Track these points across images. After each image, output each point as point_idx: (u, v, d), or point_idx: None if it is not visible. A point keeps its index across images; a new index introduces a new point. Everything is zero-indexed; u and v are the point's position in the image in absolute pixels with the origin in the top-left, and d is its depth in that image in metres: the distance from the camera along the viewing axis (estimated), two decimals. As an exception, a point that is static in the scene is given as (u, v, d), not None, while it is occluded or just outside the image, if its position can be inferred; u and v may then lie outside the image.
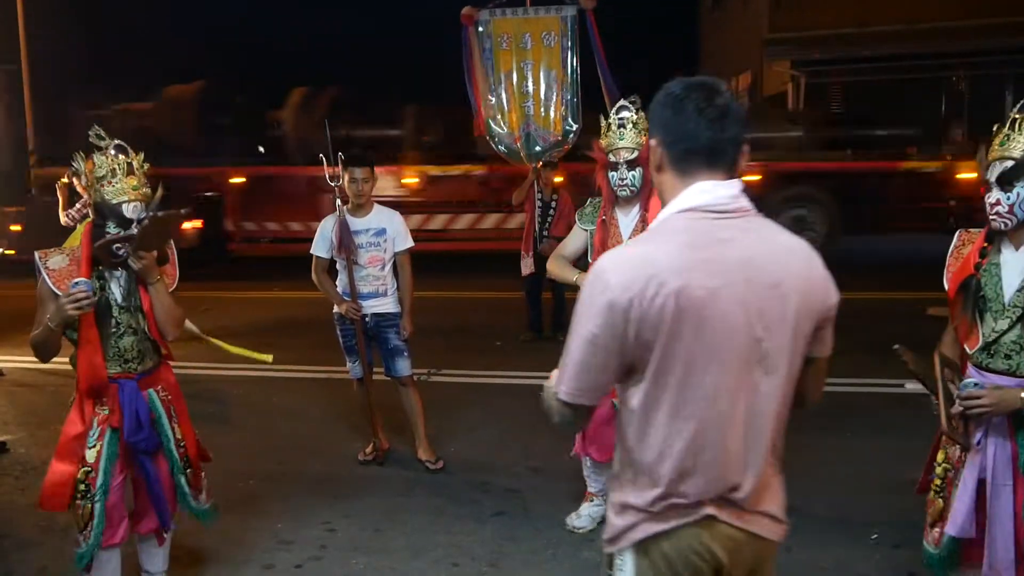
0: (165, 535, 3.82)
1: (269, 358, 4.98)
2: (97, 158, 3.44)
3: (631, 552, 2.03)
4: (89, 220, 3.56)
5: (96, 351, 3.43)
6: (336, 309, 5.45)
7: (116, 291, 3.51)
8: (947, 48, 17.31)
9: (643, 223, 4.26)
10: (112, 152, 3.44)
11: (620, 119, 4.21)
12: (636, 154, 4.16)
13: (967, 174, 12.77)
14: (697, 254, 1.88)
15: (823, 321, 2.05)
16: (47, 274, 3.41)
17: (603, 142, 4.26)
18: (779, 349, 1.95)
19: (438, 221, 13.69)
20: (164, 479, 3.67)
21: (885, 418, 6.05)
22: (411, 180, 13.99)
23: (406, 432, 5.74)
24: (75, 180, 8.87)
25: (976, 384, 2.82)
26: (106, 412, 3.51)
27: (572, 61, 5.88)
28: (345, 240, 5.25)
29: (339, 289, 5.45)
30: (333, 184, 5.39)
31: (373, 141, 14.33)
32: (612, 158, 4.20)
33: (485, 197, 13.67)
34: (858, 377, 6.97)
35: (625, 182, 4.18)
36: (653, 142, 2.05)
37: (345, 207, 5.33)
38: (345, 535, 4.63)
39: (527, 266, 8.41)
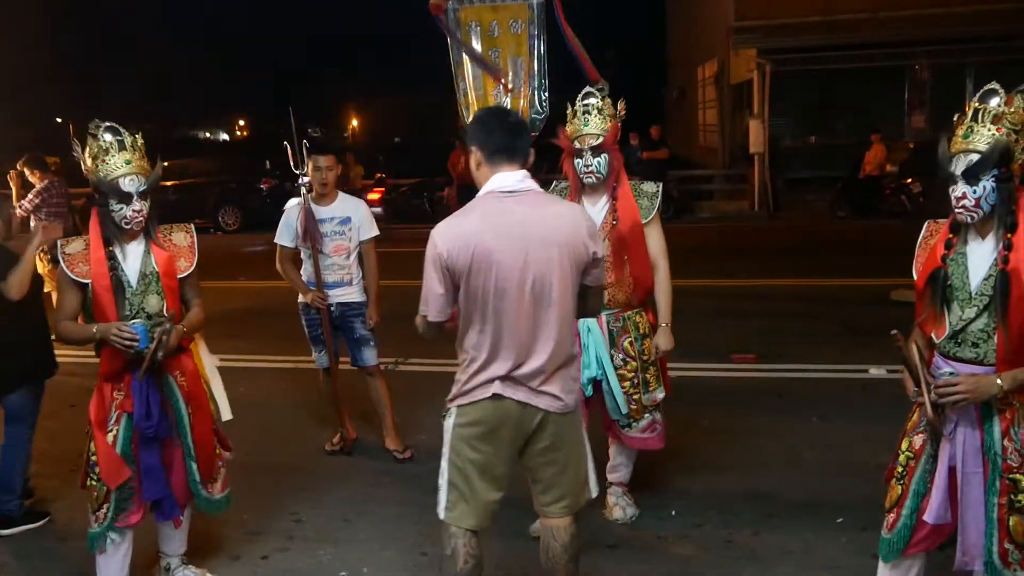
0: (182, 518, 3.85)
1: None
2: (89, 141, 3.50)
3: (455, 408, 3.08)
4: (95, 206, 3.58)
5: (112, 316, 3.48)
6: (301, 299, 5.41)
7: (129, 274, 3.56)
8: (910, 36, 17.48)
9: (613, 214, 4.21)
10: (107, 135, 3.51)
11: (585, 105, 4.17)
12: (601, 140, 4.12)
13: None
14: (488, 220, 2.92)
15: (587, 266, 3.03)
16: (64, 260, 3.51)
17: (568, 129, 4.22)
18: (550, 284, 2.93)
19: None
20: (176, 467, 3.71)
21: (850, 403, 6.11)
22: None
23: (374, 422, 5.71)
24: (26, 170, 8.71)
25: (952, 373, 2.85)
26: (123, 397, 3.57)
27: (539, 48, 5.84)
28: (310, 228, 5.20)
29: (304, 278, 5.41)
30: (298, 173, 5.33)
31: None
32: (577, 145, 4.15)
33: None
34: (824, 363, 7.03)
35: (590, 168, 4.14)
36: (473, 149, 3.03)
37: (310, 196, 5.28)
38: (312, 526, 4.60)
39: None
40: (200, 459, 3.76)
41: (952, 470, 2.91)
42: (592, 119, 4.13)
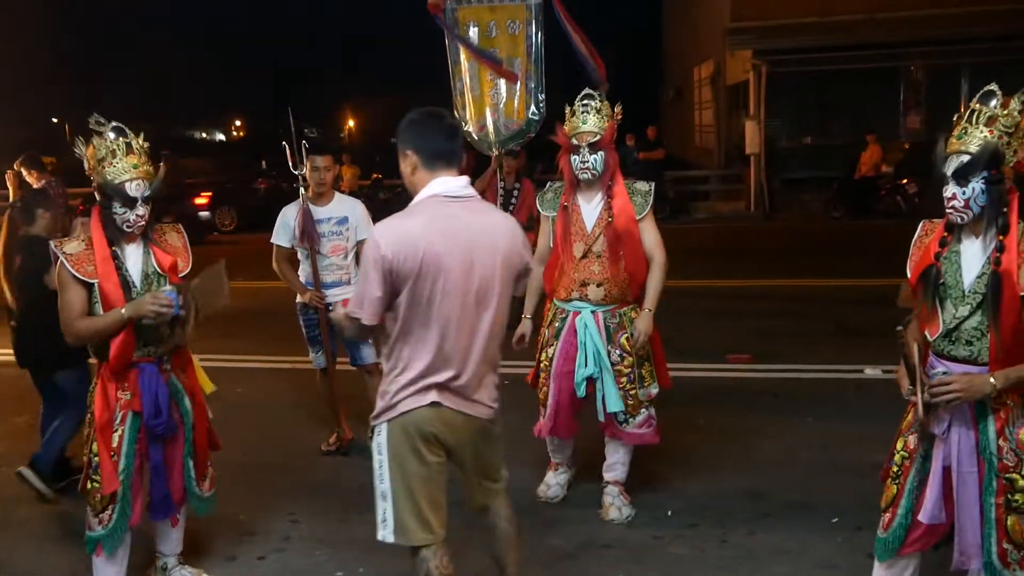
0: (179, 516, 3.87)
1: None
2: (96, 141, 3.49)
3: (386, 424, 3.00)
4: (96, 204, 3.58)
5: (129, 332, 3.48)
6: (299, 299, 5.42)
7: (134, 274, 3.57)
8: (906, 37, 17.51)
9: (608, 211, 4.28)
10: (111, 135, 3.50)
11: (584, 104, 4.25)
12: (599, 138, 4.20)
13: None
14: (436, 225, 2.86)
15: (519, 275, 3.10)
16: (65, 259, 3.47)
17: (567, 127, 4.30)
18: (491, 290, 2.94)
19: None
20: (175, 465, 3.73)
21: (845, 403, 6.13)
22: None
23: (369, 420, 5.70)
24: (23, 171, 8.67)
25: (945, 372, 2.86)
26: (127, 397, 3.57)
27: (536, 49, 5.85)
28: (308, 228, 5.21)
29: (303, 279, 5.42)
30: (296, 173, 5.34)
31: None
32: (575, 142, 4.23)
33: None
34: (819, 363, 7.05)
35: (587, 165, 4.21)
36: (408, 153, 2.96)
37: (307, 195, 5.29)
38: (308, 526, 4.60)
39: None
40: (198, 457, 3.79)
41: (947, 470, 2.93)
42: (591, 117, 4.21)
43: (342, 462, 5.47)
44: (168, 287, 3.41)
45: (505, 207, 8.25)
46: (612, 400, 4.32)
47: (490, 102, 5.47)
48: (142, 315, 3.41)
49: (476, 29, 5.64)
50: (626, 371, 4.33)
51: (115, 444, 3.55)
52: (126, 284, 3.53)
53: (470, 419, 3.03)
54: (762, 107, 18.24)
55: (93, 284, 3.49)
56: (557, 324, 4.44)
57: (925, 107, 18.68)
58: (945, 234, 2.94)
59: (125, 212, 3.48)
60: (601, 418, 4.41)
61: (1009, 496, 2.83)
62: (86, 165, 3.56)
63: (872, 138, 16.94)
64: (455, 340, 2.89)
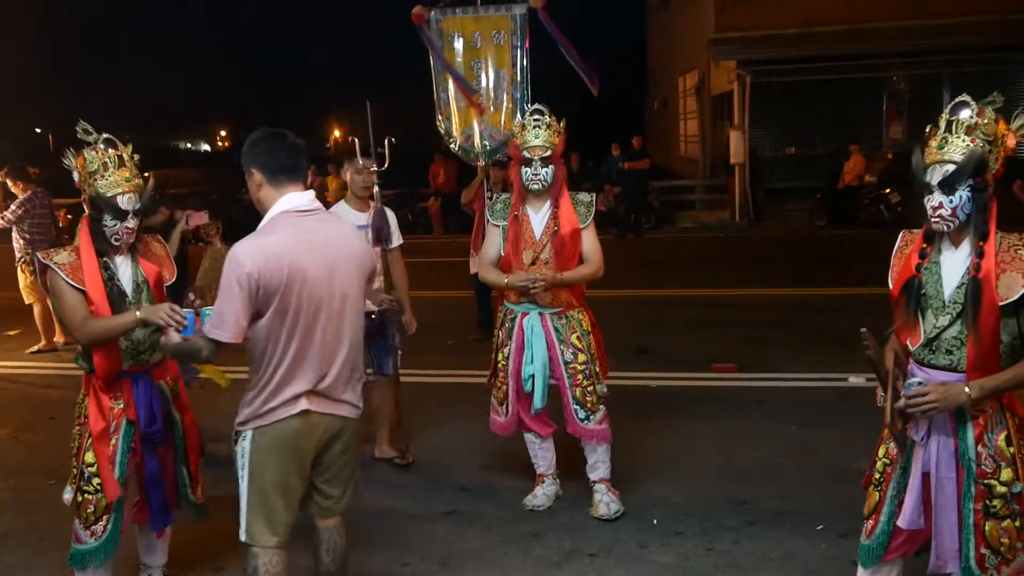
0: (166, 529, 3.86)
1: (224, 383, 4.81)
2: (87, 153, 3.50)
3: (252, 431, 3.07)
4: (85, 215, 3.57)
5: (114, 342, 3.49)
6: (373, 303, 5.15)
7: (125, 283, 3.57)
8: (888, 48, 17.66)
9: (554, 220, 4.51)
10: (101, 146, 3.50)
11: (535, 120, 4.48)
12: (550, 152, 4.44)
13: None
14: (297, 239, 2.98)
15: (370, 277, 3.28)
16: (59, 268, 3.45)
17: (518, 140, 4.51)
18: (349, 295, 3.09)
19: None
20: (168, 471, 3.73)
21: (830, 410, 6.16)
22: None
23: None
24: (8, 181, 8.63)
25: (921, 382, 2.88)
26: (120, 406, 3.57)
27: (521, 59, 5.88)
28: (384, 232, 5.13)
29: None
30: (371, 171, 5.24)
31: None
32: (527, 155, 4.44)
33: None
34: (804, 371, 7.08)
35: (538, 177, 4.44)
36: (253, 171, 3.10)
37: (343, 201, 5.21)
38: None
39: (476, 264, 8.38)
40: (190, 463, 3.79)
41: (926, 476, 2.96)
42: (542, 132, 4.45)
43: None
44: (188, 310, 3.33)
45: (492, 216, 8.28)
46: (537, 399, 4.56)
47: (476, 114, 5.48)
48: (155, 322, 3.35)
49: (461, 40, 5.66)
50: (580, 367, 4.53)
51: (109, 453, 3.54)
52: (121, 294, 3.53)
53: (335, 419, 3.16)
54: (746, 117, 18.34)
55: (84, 291, 3.47)
56: (508, 325, 4.67)
57: (907, 117, 18.83)
58: (924, 245, 2.96)
59: (116, 225, 3.48)
60: (532, 412, 4.62)
61: (987, 502, 2.86)
62: (76, 176, 3.55)
63: (855, 148, 17.08)
64: (321, 346, 3.03)
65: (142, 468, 3.68)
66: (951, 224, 2.83)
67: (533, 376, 4.56)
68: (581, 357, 4.54)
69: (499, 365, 4.70)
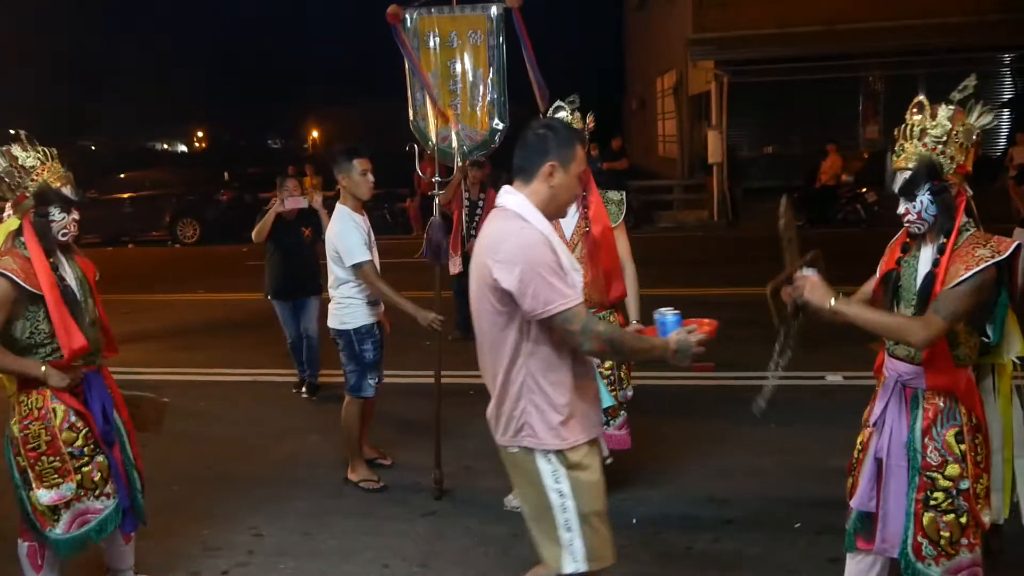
0: (132, 533, 3.84)
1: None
2: (16, 150, 3.44)
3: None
4: (25, 214, 3.48)
5: (77, 333, 3.43)
6: (368, 319, 5.05)
7: (72, 283, 3.53)
8: (864, 48, 17.80)
9: (585, 220, 4.44)
10: (27, 143, 3.46)
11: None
12: None
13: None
14: None
15: (495, 292, 2.72)
16: (13, 275, 3.34)
17: None
18: (479, 306, 2.81)
19: None
20: (122, 474, 3.69)
21: (807, 409, 6.18)
22: None
23: (336, 433, 5.68)
24: None
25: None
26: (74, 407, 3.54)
27: (498, 60, 5.86)
28: (440, 241, 4.94)
29: (363, 299, 5.02)
30: (434, 180, 5.11)
31: None
32: None
33: None
34: (782, 371, 7.10)
35: None
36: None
37: (346, 206, 5.04)
38: (273, 540, 4.56)
39: (455, 265, 8.35)
40: (138, 467, 3.78)
41: (880, 461, 3.04)
42: None
43: (307, 475, 5.43)
44: (674, 312, 3.12)
45: (471, 218, 8.27)
46: (605, 397, 4.35)
47: (452, 113, 5.45)
48: (55, 385, 3.43)
49: (437, 40, 5.63)
50: (607, 373, 4.48)
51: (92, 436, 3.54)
52: (72, 293, 3.49)
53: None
54: (724, 117, 18.42)
55: (41, 295, 3.39)
56: None
57: (883, 117, 18.99)
58: (908, 240, 3.04)
59: (64, 217, 3.46)
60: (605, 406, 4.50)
61: (929, 493, 2.93)
62: (6, 178, 3.44)
63: (832, 147, 17.19)
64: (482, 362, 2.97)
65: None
66: (921, 227, 2.91)
67: None
68: (608, 362, 4.41)
69: None
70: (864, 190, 16.22)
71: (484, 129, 5.63)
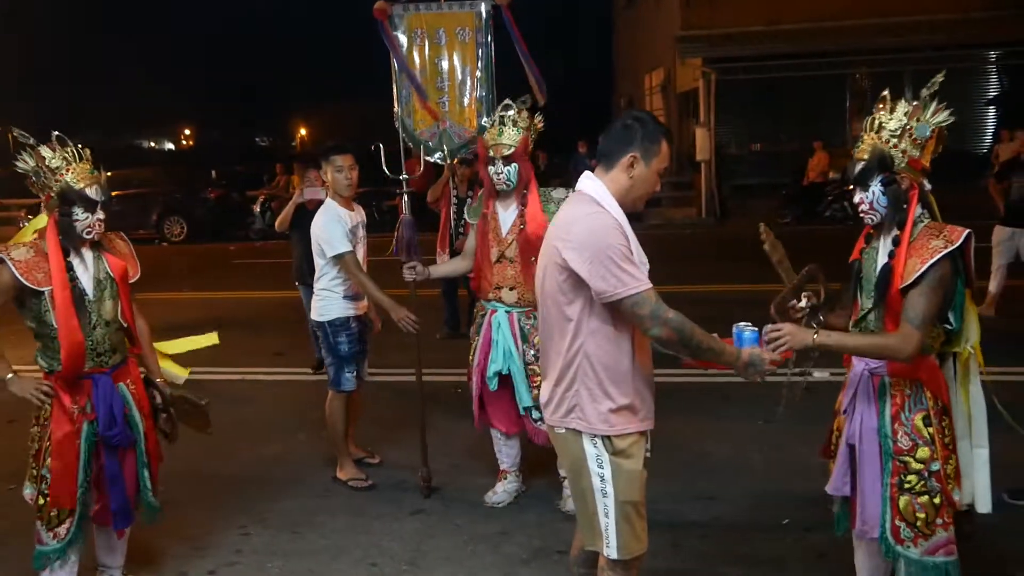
0: (125, 530, 3.83)
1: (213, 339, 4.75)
2: (44, 151, 3.48)
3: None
4: (52, 215, 3.53)
5: (80, 343, 3.47)
6: (344, 312, 5.06)
7: (86, 283, 3.55)
8: (850, 46, 17.86)
9: (521, 218, 4.50)
10: (58, 145, 3.50)
11: (502, 116, 4.48)
12: (512, 151, 4.41)
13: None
14: None
15: (563, 272, 2.75)
16: (13, 265, 3.42)
17: (487, 137, 4.52)
18: (544, 287, 2.84)
19: None
20: (129, 474, 3.71)
21: (795, 405, 6.18)
22: None
23: (323, 432, 5.66)
24: None
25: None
26: (79, 408, 3.54)
27: (486, 57, 5.85)
28: (412, 240, 4.92)
29: (341, 293, 5.05)
30: (401, 178, 5.08)
31: None
32: (491, 154, 4.44)
33: None
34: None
35: (501, 177, 4.44)
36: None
37: (334, 200, 5.06)
38: (261, 539, 4.54)
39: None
40: (151, 466, 3.78)
41: (853, 447, 3.15)
42: (506, 130, 4.45)
43: (295, 474, 5.41)
44: (752, 329, 3.21)
45: (459, 216, 8.25)
46: (524, 396, 4.51)
47: (439, 110, 5.44)
48: (20, 394, 3.48)
49: (425, 36, 5.62)
50: (540, 370, 4.42)
51: (72, 458, 3.52)
52: (79, 293, 3.52)
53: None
54: (712, 114, 18.47)
55: (42, 292, 3.45)
56: (478, 322, 4.69)
57: (870, 114, 19.05)
58: (871, 231, 3.15)
59: (87, 217, 3.49)
60: (521, 411, 4.60)
61: (903, 477, 3.00)
62: (35, 177, 3.52)
63: (819, 144, 17.26)
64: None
65: (103, 469, 3.65)
66: (873, 217, 3.03)
67: (500, 373, 4.54)
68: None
69: (470, 361, 4.73)
70: (851, 187, 16.25)
71: (472, 127, 5.61)
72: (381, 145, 5.18)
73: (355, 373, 5.15)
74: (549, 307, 2.85)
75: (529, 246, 4.39)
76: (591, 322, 2.76)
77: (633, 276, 2.68)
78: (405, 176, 5.13)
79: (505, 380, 4.58)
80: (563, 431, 2.88)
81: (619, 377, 2.82)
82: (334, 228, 4.93)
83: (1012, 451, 5.08)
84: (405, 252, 4.99)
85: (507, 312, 4.56)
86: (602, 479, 2.83)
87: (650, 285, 2.71)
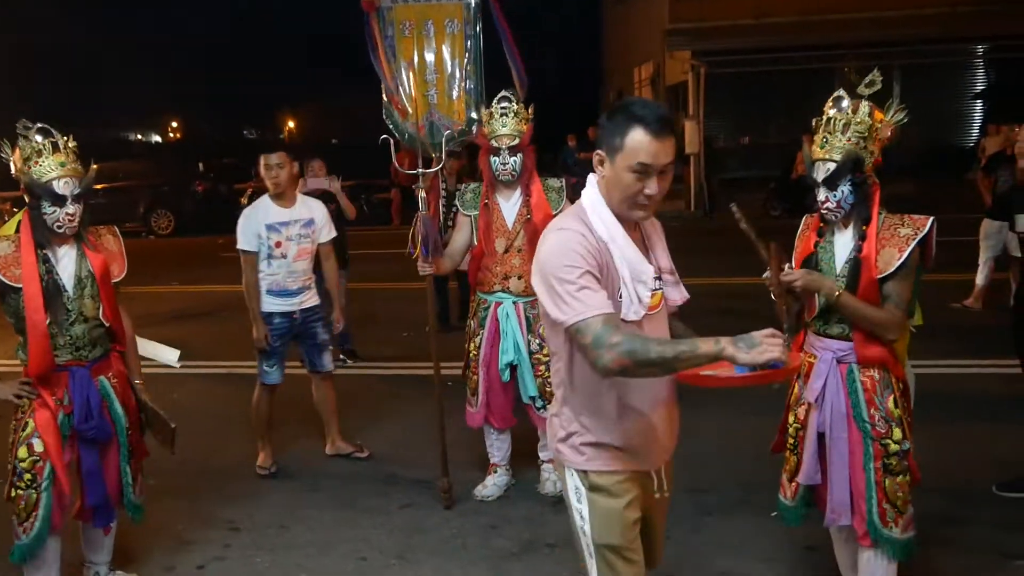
0: (112, 525, 3.80)
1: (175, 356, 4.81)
2: (21, 142, 3.45)
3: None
4: (26, 208, 3.52)
5: (44, 337, 3.42)
6: (266, 306, 5.15)
7: (64, 278, 3.50)
8: (839, 39, 17.89)
9: (527, 208, 4.54)
10: (39, 137, 3.45)
11: (502, 108, 4.52)
12: (518, 141, 4.47)
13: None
14: None
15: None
16: None
17: (485, 129, 4.55)
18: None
19: None
20: (111, 469, 3.67)
21: (784, 398, 6.20)
22: None
23: (311, 426, 5.64)
24: None
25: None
26: (56, 399, 3.51)
27: (475, 49, 5.83)
28: (433, 236, 4.76)
29: (266, 287, 5.13)
30: (417, 174, 4.89)
31: None
32: (495, 144, 4.47)
33: None
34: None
35: (507, 167, 4.48)
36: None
37: (267, 197, 5.16)
38: (249, 534, 4.52)
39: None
40: (133, 462, 3.74)
41: (822, 435, 3.21)
42: (509, 120, 4.49)
43: (284, 468, 5.39)
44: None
45: (448, 208, 8.22)
46: (529, 386, 4.57)
47: (426, 102, 5.41)
48: (1, 396, 3.48)
49: (413, 28, 5.59)
50: (544, 359, 4.51)
51: (41, 449, 3.47)
52: (57, 288, 3.47)
53: None
54: (701, 107, 18.48)
55: (19, 287, 3.41)
56: (481, 314, 4.67)
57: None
58: (822, 225, 3.24)
59: (55, 211, 3.42)
60: (526, 400, 4.65)
61: (885, 460, 3.09)
62: (12, 168, 3.50)
63: (808, 138, 17.10)
64: None
65: (79, 464, 3.61)
66: (838, 215, 3.11)
67: (511, 364, 4.57)
68: (546, 349, 4.44)
69: (471, 355, 4.71)
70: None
71: (461, 119, 5.59)
72: (390, 139, 5.14)
73: (274, 367, 5.20)
74: (547, 329, 2.57)
75: (537, 235, 4.34)
76: (574, 348, 2.44)
77: (578, 301, 2.28)
78: (421, 171, 5.08)
79: (510, 371, 4.63)
80: (551, 456, 2.84)
81: (601, 412, 2.50)
82: (244, 225, 5.10)
83: (1000, 444, 5.13)
84: (424, 248, 4.97)
85: (514, 303, 4.58)
86: (580, 516, 2.56)
87: (599, 311, 2.27)
